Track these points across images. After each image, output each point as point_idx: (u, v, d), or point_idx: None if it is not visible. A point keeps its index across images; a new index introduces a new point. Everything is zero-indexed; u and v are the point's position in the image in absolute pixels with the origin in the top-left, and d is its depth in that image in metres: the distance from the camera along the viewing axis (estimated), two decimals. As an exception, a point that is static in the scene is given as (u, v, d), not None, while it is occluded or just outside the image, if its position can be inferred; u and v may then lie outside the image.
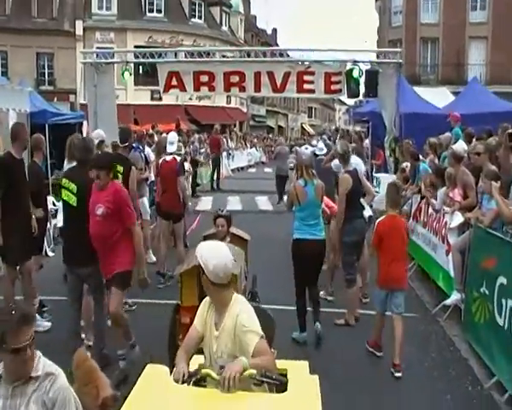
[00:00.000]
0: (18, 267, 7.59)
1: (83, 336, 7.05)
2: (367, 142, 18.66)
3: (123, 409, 3.33)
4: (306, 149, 8.10)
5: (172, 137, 10.93)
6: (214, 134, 25.87)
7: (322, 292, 9.21)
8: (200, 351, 4.02)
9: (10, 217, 7.19)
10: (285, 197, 12.91)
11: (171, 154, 10.32)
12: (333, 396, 3.89)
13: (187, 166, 11.82)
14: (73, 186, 6.62)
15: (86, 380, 3.89)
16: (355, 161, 9.05)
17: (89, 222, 6.43)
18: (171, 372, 3.73)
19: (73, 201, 6.60)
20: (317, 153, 12.67)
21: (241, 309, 3.75)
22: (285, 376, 3.84)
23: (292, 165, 19.19)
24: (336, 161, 9.33)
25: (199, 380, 3.65)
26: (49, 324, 7.86)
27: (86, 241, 6.47)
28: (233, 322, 3.69)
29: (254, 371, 3.45)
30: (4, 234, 7.18)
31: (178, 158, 10.17)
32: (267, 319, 4.40)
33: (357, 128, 26.56)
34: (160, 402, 3.49)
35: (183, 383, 3.56)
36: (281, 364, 3.95)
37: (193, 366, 3.90)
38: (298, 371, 4.03)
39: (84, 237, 6.46)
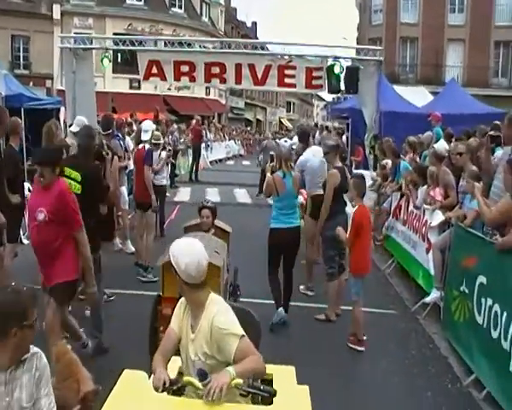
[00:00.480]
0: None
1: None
2: (344, 138, 18.70)
3: None
4: (286, 141, 8.14)
5: (147, 125, 10.79)
6: (196, 125, 25.69)
7: (302, 287, 9.25)
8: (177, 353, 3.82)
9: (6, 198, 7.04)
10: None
11: (144, 142, 10.18)
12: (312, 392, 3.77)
13: (164, 154, 11.55)
14: (77, 174, 6.47)
15: (67, 374, 3.81)
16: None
17: (94, 209, 6.50)
18: (149, 376, 3.53)
19: (77, 188, 6.43)
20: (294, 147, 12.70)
21: (217, 310, 3.52)
22: (271, 382, 3.67)
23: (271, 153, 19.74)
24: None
25: (179, 389, 3.45)
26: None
27: (90, 228, 6.35)
28: (209, 324, 3.48)
29: (241, 381, 3.26)
30: None
31: (147, 146, 9.97)
32: (252, 321, 4.11)
33: (336, 124, 26.62)
34: None
35: (163, 391, 3.34)
36: (268, 369, 3.72)
37: (170, 370, 3.68)
38: (285, 378, 3.83)
39: (87, 223, 6.32)
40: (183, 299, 3.74)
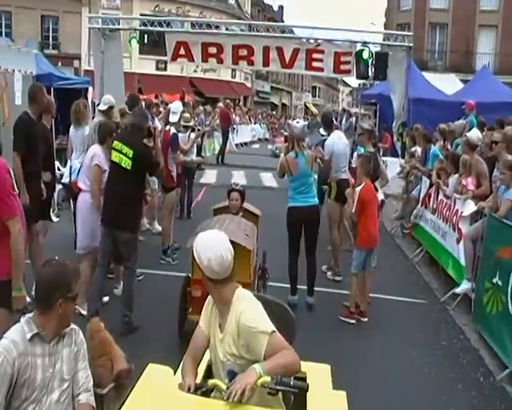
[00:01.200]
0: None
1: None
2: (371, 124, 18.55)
3: None
4: (298, 122, 8.02)
5: (175, 107, 10.66)
6: (225, 107, 25.57)
7: (329, 273, 9.19)
8: None
9: (29, 178, 7.05)
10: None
11: (172, 124, 10.11)
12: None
13: (193, 135, 11.47)
14: (128, 150, 6.61)
15: (100, 352, 3.82)
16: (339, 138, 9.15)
17: (140, 187, 6.76)
18: (175, 371, 3.47)
19: (127, 164, 6.59)
20: (323, 133, 12.54)
21: (244, 307, 3.28)
22: (304, 381, 3.41)
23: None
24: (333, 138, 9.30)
25: (205, 392, 3.27)
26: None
27: (133, 205, 6.66)
28: (236, 322, 3.26)
29: (268, 379, 2.98)
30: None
31: (173, 130, 9.89)
32: (287, 316, 3.83)
33: (362, 111, 26.45)
34: None
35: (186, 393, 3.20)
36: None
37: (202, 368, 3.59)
38: (319, 377, 3.61)
39: (131, 200, 6.63)
40: (210, 297, 3.56)
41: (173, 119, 10.20)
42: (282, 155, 8.08)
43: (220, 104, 26.35)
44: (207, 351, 3.56)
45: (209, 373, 3.59)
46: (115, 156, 6.73)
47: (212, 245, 3.32)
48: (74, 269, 3.51)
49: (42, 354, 3.30)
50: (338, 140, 9.18)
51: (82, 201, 7.30)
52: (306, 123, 11.21)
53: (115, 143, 6.80)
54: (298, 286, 7.94)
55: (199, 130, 10.95)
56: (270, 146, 30.73)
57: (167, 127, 9.97)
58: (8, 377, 3.13)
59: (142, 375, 3.39)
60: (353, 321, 7.55)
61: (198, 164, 20.66)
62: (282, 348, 3.15)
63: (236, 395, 2.92)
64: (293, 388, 3.01)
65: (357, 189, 7.58)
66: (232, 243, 5.45)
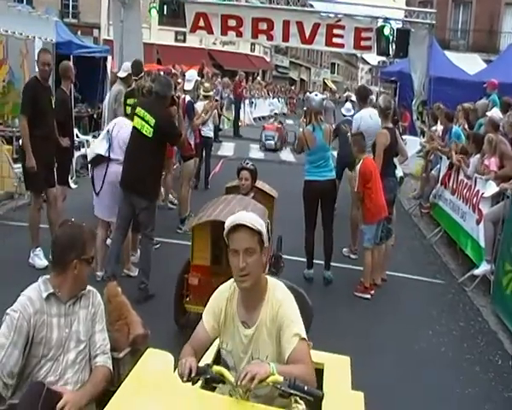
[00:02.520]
0: (43, 196, 7.51)
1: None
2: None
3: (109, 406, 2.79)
4: (316, 95, 7.93)
5: (190, 74, 10.66)
6: (238, 80, 25.43)
7: (345, 249, 9.14)
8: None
9: (36, 144, 7.07)
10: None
11: (187, 92, 10.06)
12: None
13: (206, 104, 11.30)
14: (150, 118, 6.57)
15: (117, 316, 3.79)
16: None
17: (160, 155, 6.74)
18: (176, 360, 3.11)
19: (149, 132, 6.56)
20: (345, 113, 12.40)
21: (283, 299, 3.03)
22: (321, 374, 3.25)
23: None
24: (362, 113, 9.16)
25: (207, 380, 2.95)
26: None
27: (152, 173, 6.67)
28: (273, 313, 2.99)
29: (281, 379, 2.69)
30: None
31: (188, 98, 9.81)
32: (304, 303, 3.58)
33: (381, 89, 26.18)
34: (154, 403, 2.84)
35: (188, 380, 2.83)
36: (317, 356, 3.32)
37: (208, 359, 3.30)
38: (338, 371, 3.41)
39: (151, 168, 6.63)
40: (223, 291, 3.20)
41: (188, 86, 10.19)
42: (301, 129, 8.00)
43: (237, 78, 26.16)
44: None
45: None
46: (137, 123, 6.68)
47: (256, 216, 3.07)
48: (90, 231, 3.51)
49: (58, 314, 3.32)
50: (368, 117, 9.02)
51: (113, 172, 7.08)
52: (324, 97, 11.09)
53: (138, 109, 6.75)
54: (314, 261, 7.93)
55: (216, 100, 10.81)
56: (288, 121, 30.43)
57: (182, 96, 9.93)
58: (24, 332, 3.16)
59: (139, 360, 3.23)
60: (368, 296, 7.54)
61: (215, 136, 20.77)
62: (305, 360, 2.90)
63: (245, 379, 2.63)
64: (307, 394, 2.71)
65: (357, 166, 7.60)
66: None
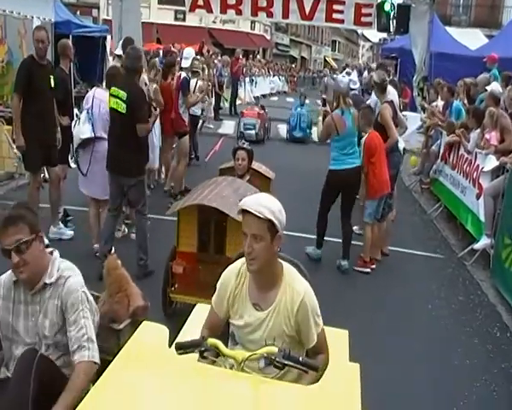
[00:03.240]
0: (42, 175, 7.53)
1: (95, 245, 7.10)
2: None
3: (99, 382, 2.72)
4: (344, 77, 7.69)
5: (187, 52, 10.69)
6: (235, 58, 25.24)
7: (355, 227, 9.09)
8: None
9: (32, 123, 7.07)
10: (314, 129, 12.26)
11: (184, 69, 10.11)
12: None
13: (200, 83, 11.21)
14: (123, 93, 6.42)
15: (117, 288, 3.82)
16: (392, 92, 8.86)
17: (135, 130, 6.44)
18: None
19: (122, 108, 6.42)
20: (351, 86, 12.34)
21: (307, 288, 3.01)
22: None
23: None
24: (374, 98, 9.12)
25: (202, 353, 2.87)
26: (72, 232, 7.90)
27: (133, 150, 6.48)
28: (295, 299, 2.94)
29: (275, 350, 2.75)
30: (25, 140, 7.11)
31: (183, 75, 9.81)
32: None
33: (373, 64, 26.07)
34: (148, 376, 2.79)
35: (181, 353, 2.83)
36: None
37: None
38: (335, 344, 3.36)
39: (131, 145, 6.45)
40: (231, 273, 3.13)
41: (185, 64, 10.24)
42: (320, 118, 7.68)
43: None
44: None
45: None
46: (113, 103, 6.53)
47: (274, 200, 2.98)
48: (8, 217, 3.17)
49: (24, 301, 3.26)
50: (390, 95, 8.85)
51: (100, 151, 7.03)
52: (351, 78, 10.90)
53: (112, 89, 6.60)
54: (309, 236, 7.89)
55: (209, 85, 10.76)
56: (288, 99, 30.33)
57: (178, 73, 9.94)
58: None
59: (134, 332, 3.19)
60: (368, 270, 7.58)
61: (216, 114, 20.77)
62: (324, 350, 3.05)
63: None
64: (303, 365, 2.74)
65: (363, 139, 7.52)
66: (220, 213, 5.15)
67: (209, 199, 5.26)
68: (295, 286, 2.99)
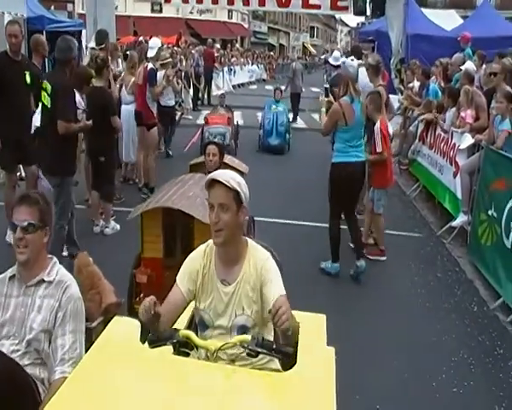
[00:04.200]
0: (18, 173, 7.45)
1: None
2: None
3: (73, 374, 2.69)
4: (352, 60, 6.95)
5: (153, 42, 10.56)
6: (208, 47, 24.76)
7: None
8: None
9: (6, 120, 6.96)
10: (316, 116, 11.26)
11: (150, 59, 9.97)
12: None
13: (167, 72, 11.00)
14: (49, 87, 6.08)
15: (89, 286, 3.78)
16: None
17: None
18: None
19: (47, 101, 6.08)
20: (332, 62, 12.27)
21: (266, 258, 3.07)
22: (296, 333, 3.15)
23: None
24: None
25: (175, 345, 2.84)
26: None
27: (58, 147, 6.05)
28: (259, 268, 3.02)
29: (248, 338, 2.73)
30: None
31: (150, 66, 9.69)
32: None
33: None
34: (121, 370, 2.71)
35: (152, 347, 2.78)
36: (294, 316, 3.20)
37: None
38: (312, 329, 3.33)
39: (56, 142, 6.03)
40: (198, 254, 3.16)
41: (150, 54, 10.07)
42: (323, 109, 7.18)
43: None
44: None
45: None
46: (43, 97, 6.21)
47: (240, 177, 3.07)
48: (23, 195, 3.37)
49: (17, 294, 3.28)
50: (364, 75, 8.56)
51: None
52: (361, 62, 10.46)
53: (43, 83, 6.26)
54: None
55: (179, 70, 10.52)
56: (267, 87, 30.27)
57: (145, 64, 9.85)
58: None
59: (105, 328, 3.10)
60: (384, 258, 7.48)
61: (195, 104, 20.70)
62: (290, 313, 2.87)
63: (285, 315, 2.57)
64: (276, 352, 2.71)
65: (377, 126, 7.12)
66: (187, 216, 4.80)
67: (173, 201, 4.97)
68: (258, 255, 3.09)
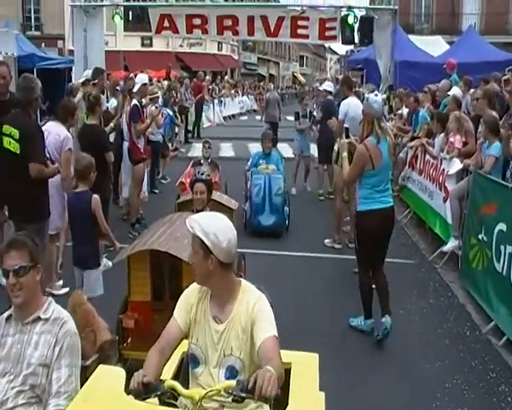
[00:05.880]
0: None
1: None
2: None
3: None
4: (376, 95, 6.08)
5: (138, 78, 10.54)
6: (197, 80, 24.58)
7: (328, 240, 9.21)
8: None
9: None
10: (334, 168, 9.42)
11: (134, 94, 9.90)
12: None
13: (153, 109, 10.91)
14: (15, 132, 5.75)
15: (83, 324, 3.79)
16: (355, 103, 9.03)
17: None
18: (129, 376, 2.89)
19: (16, 148, 5.75)
20: (328, 89, 12.38)
21: (259, 297, 3.04)
22: (288, 373, 3.12)
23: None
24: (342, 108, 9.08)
25: (160, 397, 2.78)
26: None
27: (32, 193, 5.85)
28: (248, 309, 2.98)
29: (233, 384, 2.65)
30: None
31: (133, 102, 9.56)
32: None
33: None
34: None
35: (137, 398, 2.71)
36: (285, 356, 3.10)
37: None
38: (304, 370, 3.28)
39: (29, 189, 5.81)
40: (194, 288, 3.17)
41: (135, 89, 10.05)
42: (345, 153, 6.33)
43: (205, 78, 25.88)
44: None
45: (179, 376, 3.23)
46: (6, 142, 5.84)
47: (224, 225, 3.03)
48: (12, 240, 3.41)
49: (14, 333, 3.32)
50: (354, 105, 8.96)
51: (55, 180, 6.57)
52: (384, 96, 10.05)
53: (4, 127, 5.87)
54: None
55: (156, 107, 10.44)
56: (258, 117, 30.49)
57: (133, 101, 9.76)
58: None
59: (90, 377, 3.07)
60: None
61: (186, 138, 20.80)
62: (275, 358, 2.79)
63: (270, 386, 2.47)
64: (261, 397, 2.56)
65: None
66: (174, 257, 4.62)
67: (160, 243, 4.83)
68: (251, 295, 3.06)
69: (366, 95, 6.40)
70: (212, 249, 2.91)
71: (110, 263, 7.82)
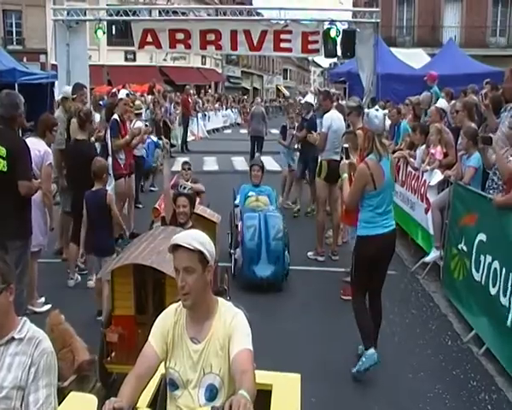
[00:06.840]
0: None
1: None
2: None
3: None
4: (377, 110, 5.68)
5: (121, 93, 10.64)
6: (185, 94, 24.95)
7: (310, 253, 9.25)
8: None
9: None
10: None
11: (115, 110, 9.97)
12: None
13: (138, 124, 10.98)
14: (2, 149, 5.66)
15: (61, 344, 3.78)
16: (336, 116, 9.17)
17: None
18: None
19: (3, 165, 5.66)
20: (309, 101, 12.47)
21: (236, 314, 3.06)
22: (269, 395, 3.14)
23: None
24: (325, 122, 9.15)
25: None
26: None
27: (18, 211, 5.84)
28: (226, 326, 3.00)
29: (208, 408, 2.67)
30: None
31: (114, 117, 9.68)
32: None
33: (333, 90, 26.51)
34: None
35: None
36: (266, 377, 3.19)
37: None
38: (285, 391, 3.26)
39: (15, 206, 5.80)
40: (170, 311, 3.16)
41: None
42: (345, 175, 5.97)
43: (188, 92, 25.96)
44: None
45: (155, 403, 3.19)
46: None
47: (204, 234, 3.06)
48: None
49: None
50: (336, 118, 9.07)
51: (35, 197, 6.46)
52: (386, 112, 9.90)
53: None
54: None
55: (146, 125, 10.41)
56: (242, 130, 30.58)
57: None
58: None
59: (61, 404, 3.03)
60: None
61: (170, 152, 20.79)
62: (249, 371, 2.80)
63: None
64: None
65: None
66: (158, 271, 4.64)
67: (144, 257, 4.82)
68: (228, 311, 3.07)
69: (366, 110, 6.12)
70: (210, 259, 2.99)
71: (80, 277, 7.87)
